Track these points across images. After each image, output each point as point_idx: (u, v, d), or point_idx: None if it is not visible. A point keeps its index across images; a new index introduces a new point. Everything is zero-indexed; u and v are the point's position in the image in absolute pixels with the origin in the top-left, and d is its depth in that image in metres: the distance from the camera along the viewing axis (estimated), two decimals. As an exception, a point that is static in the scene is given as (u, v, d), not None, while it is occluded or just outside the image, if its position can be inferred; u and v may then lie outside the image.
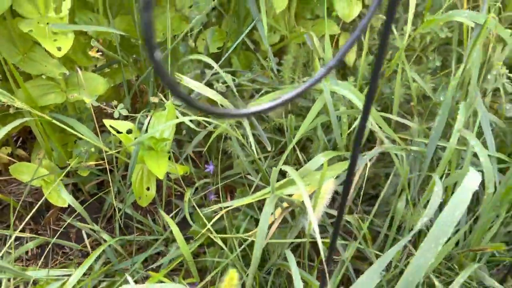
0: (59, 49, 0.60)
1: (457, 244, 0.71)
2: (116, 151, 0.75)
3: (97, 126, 0.85)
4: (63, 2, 0.64)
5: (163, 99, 0.80)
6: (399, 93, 0.85)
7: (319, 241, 0.44)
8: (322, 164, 0.61)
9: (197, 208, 0.79)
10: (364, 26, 0.25)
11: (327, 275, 0.44)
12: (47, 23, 0.63)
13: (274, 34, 1.00)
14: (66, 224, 0.97)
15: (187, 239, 0.84)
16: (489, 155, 0.66)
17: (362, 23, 0.25)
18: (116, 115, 0.76)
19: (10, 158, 0.97)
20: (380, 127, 0.70)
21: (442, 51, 1.14)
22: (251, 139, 0.73)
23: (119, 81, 0.98)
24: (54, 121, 0.69)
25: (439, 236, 0.45)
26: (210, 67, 0.88)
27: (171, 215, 0.90)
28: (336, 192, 0.78)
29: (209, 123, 0.88)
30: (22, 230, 0.96)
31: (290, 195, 0.61)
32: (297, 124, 0.92)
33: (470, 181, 0.46)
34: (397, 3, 0.26)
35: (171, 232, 0.90)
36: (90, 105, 0.76)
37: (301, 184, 0.49)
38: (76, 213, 0.88)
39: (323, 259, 0.40)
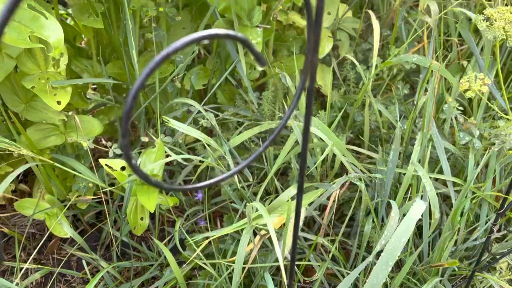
0: (59, 103, 0.69)
1: (421, 260, 0.79)
2: (113, 187, 0.83)
3: (93, 162, 0.93)
4: (61, 58, 0.73)
5: (153, 137, 0.88)
6: (368, 122, 0.94)
7: (282, 268, 0.52)
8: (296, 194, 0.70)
9: (187, 236, 0.87)
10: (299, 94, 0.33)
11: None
12: (47, 78, 0.71)
13: (255, 70, 1.09)
14: (68, 254, 1.04)
15: (180, 263, 0.92)
16: (444, 179, 0.74)
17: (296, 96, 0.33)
18: (110, 154, 0.84)
19: (13, 195, 1.04)
20: (346, 155, 0.78)
21: (412, 76, 1.23)
22: (236, 179, 0.81)
23: (112, 118, 1.06)
24: (55, 163, 0.77)
25: (387, 260, 0.53)
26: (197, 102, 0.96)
27: (164, 241, 0.97)
28: (312, 219, 0.86)
29: (197, 155, 0.96)
30: (26, 260, 1.03)
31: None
32: (276, 152, 1.00)
33: (415, 211, 0.54)
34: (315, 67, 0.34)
35: (165, 257, 0.98)
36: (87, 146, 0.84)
37: (268, 220, 0.57)
38: (77, 244, 0.95)
39: (286, 282, 0.48)
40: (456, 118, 0.80)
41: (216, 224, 1.05)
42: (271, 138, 0.33)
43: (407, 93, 1.10)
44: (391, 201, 0.67)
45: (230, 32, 0.23)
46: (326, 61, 1.20)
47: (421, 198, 0.71)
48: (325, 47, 1.06)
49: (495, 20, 0.60)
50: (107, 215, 0.96)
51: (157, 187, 0.27)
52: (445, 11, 0.79)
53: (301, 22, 1.10)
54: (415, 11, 1.28)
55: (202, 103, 0.93)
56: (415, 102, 0.80)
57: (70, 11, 1.12)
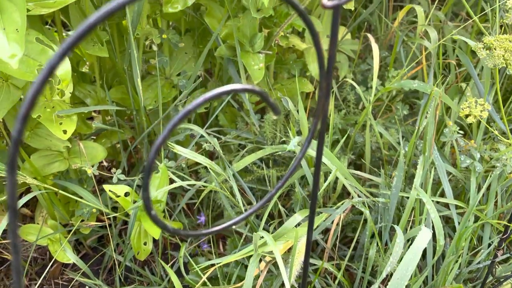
0: (64, 132, 0.69)
1: (426, 283, 0.79)
2: (116, 214, 0.83)
3: (96, 185, 0.93)
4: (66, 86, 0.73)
5: (156, 161, 0.88)
6: (369, 144, 0.95)
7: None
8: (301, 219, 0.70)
9: (191, 260, 0.86)
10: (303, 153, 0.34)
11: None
12: (53, 107, 0.72)
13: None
14: (72, 280, 1.03)
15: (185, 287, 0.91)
16: (447, 202, 0.75)
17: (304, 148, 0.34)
18: (114, 180, 0.84)
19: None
20: (348, 180, 0.79)
21: (411, 97, 1.24)
22: (238, 196, 0.81)
23: (115, 141, 1.07)
24: (59, 191, 0.77)
25: (395, 288, 0.53)
26: (200, 126, 0.97)
27: (168, 265, 0.97)
28: (315, 241, 0.86)
29: (200, 178, 0.97)
30: (29, 286, 1.03)
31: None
32: (279, 174, 1.01)
33: (421, 240, 0.54)
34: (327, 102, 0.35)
35: (168, 281, 0.97)
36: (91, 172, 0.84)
37: (276, 250, 0.58)
38: (80, 270, 0.95)
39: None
40: (456, 140, 0.81)
41: (219, 247, 1.05)
42: (284, 179, 0.33)
43: (407, 114, 1.11)
44: (395, 226, 0.67)
45: (247, 86, 0.24)
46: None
47: (425, 222, 0.72)
48: (325, 69, 1.07)
49: (495, 49, 0.61)
50: (110, 239, 0.96)
51: (175, 234, 0.27)
52: (444, 38, 0.80)
53: (301, 45, 1.11)
54: (413, 32, 1.30)
55: (205, 127, 0.94)
56: (416, 127, 0.81)
57: (71, 33, 1.13)
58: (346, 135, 0.89)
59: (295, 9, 0.23)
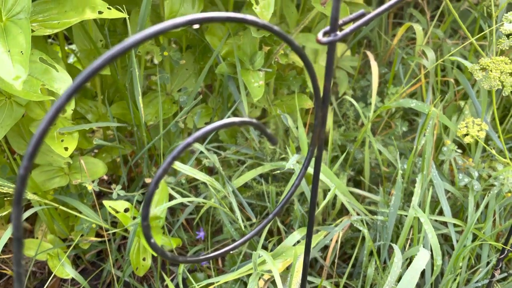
0: (66, 149, 0.70)
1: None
2: (116, 230, 0.83)
3: (95, 199, 0.94)
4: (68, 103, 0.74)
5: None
6: (368, 161, 0.95)
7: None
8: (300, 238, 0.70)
9: (190, 276, 0.87)
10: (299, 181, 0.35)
11: None
12: (54, 124, 0.73)
13: (256, 109, 1.11)
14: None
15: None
16: (445, 221, 0.75)
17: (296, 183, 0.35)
18: (114, 196, 0.85)
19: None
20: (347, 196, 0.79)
21: (410, 113, 1.25)
22: (237, 213, 0.82)
23: (116, 156, 1.07)
24: (59, 206, 0.78)
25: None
26: (200, 142, 0.98)
27: (165, 283, 0.97)
28: (314, 259, 0.86)
29: (200, 193, 0.97)
30: (27, 301, 1.03)
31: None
32: (278, 189, 1.01)
33: (419, 262, 0.55)
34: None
35: (166, 297, 0.97)
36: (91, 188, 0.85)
37: (275, 270, 0.58)
38: (78, 284, 0.95)
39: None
40: (454, 159, 0.82)
41: (217, 262, 1.05)
42: (278, 206, 0.34)
43: (406, 130, 1.12)
44: (393, 245, 0.68)
45: (245, 119, 0.25)
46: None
47: (423, 241, 0.72)
48: (325, 86, 1.08)
49: (491, 71, 0.62)
50: (109, 254, 0.96)
51: (174, 261, 0.28)
52: (442, 59, 0.81)
53: (301, 62, 1.12)
54: (412, 49, 1.31)
55: (205, 143, 0.95)
56: (414, 146, 0.81)
57: (73, 47, 1.15)
58: (345, 152, 0.90)
59: (289, 44, 0.24)
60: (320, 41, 0.25)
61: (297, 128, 0.89)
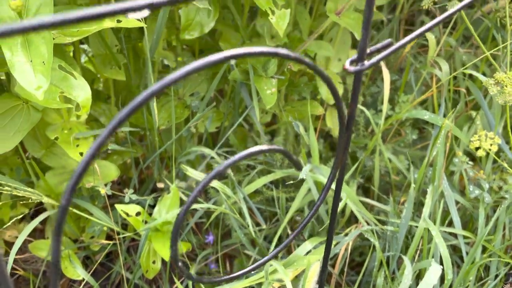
0: (80, 154, 0.71)
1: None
2: (128, 234, 0.84)
3: (107, 200, 0.95)
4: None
5: (168, 182, 0.90)
6: (378, 169, 0.96)
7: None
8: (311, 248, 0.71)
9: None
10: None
11: None
12: (70, 128, 0.73)
13: (266, 114, 1.12)
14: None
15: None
16: (454, 233, 0.75)
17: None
18: (126, 199, 0.85)
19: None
20: (358, 205, 0.80)
21: (420, 122, 1.25)
22: (247, 219, 0.82)
23: (127, 158, 1.08)
24: (72, 209, 0.79)
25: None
26: (210, 147, 0.99)
27: (175, 286, 0.98)
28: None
29: (210, 198, 0.98)
30: (37, 300, 1.04)
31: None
32: (288, 195, 1.02)
33: (431, 276, 0.55)
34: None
35: (175, 299, 0.98)
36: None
37: (286, 279, 0.59)
38: (88, 284, 0.96)
39: None
40: (465, 170, 0.82)
41: (225, 266, 1.06)
42: (296, 231, 0.35)
43: (416, 138, 1.12)
44: (404, 257, 0.68)
45: (274, 147, 0.25)
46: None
47: (433, 253, 0.72)
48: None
49: (506, 86, 0.62)
50: (120, 255, 0.97)
51: (198, 282, 0.28)
52: (455, 73, 0.81)
53: (312, 67, 1.13)
54: (424, 56, 1.31)
55: (216, 148, 0.96)
56: (426, 158, 0.82)
57: (85, 46, 1.15)
58: (357, 162, 0.90)
59: (320, 75, 0.24)
60: (348, 70, 0.26)
61: (308, 136, 0.90)
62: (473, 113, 0.97)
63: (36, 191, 0.72)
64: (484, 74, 1.12)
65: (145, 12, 0.20)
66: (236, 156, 0.24)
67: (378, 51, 0.26)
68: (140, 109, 0.20)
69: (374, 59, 0.25)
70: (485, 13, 1.06)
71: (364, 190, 1.10)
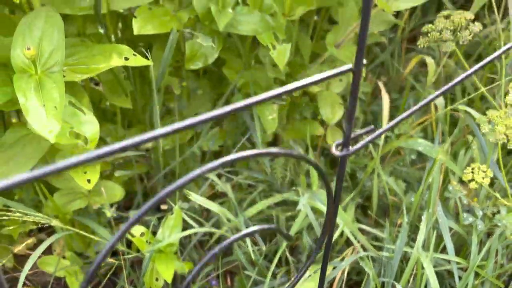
0: (88, 181, 0.74)
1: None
2: (132, 254, 0.87)
3: (113, 220, 0.98)
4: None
5: (171, 203, 0.93)
6: (377, 190, 0.98)
7: None
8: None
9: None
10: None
11: None
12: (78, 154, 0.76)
13: (268, 134, 1.14)
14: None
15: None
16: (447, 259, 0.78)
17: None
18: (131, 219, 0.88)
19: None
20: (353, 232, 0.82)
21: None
22: (247, 241, 0.85)
23: (131, 175, 1.11)
24: (80, 231, 0.82)
25: None
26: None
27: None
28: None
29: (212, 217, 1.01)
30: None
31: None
32: (287, 214, 1.04)
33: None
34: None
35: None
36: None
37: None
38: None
39: None
40: (460, 198, 0.84)
41: (226, 282, 1.09)
42: (293, 283, 0.37)
43: (415, 158, 1.14)
44: (397, 285, 0.71)
45: (264, 226, 0.28)
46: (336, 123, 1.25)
47: (425, 281, 0.75)
48: (336, 114, 1.11)
49: (497, 125, 0.64)
50: (124, 271, 1.00)
51: None
52: (451, 107, 0.84)
53: (314, 88, 1.15)
54: (424, 75, 1.33)
55: (215, 161, 0.98)
56: (421, 186, 0.84)
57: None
58: (357, 188, 0.93)
59: (309, 164, 0.27)
60: (334, 154, 0.29)
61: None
62: (470, 138, 0.99)
63: (45, 216, 0.75)
64: (481, 98, 1.15)
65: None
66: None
67: (363, 134, 0.29)
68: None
69: (358, 145, 0.28)
70: (482, 39, 1.08)
71: (363, 209, 1.13)
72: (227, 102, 1.03)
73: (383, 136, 0.99)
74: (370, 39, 1.10)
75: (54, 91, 0.53)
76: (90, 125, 0.63)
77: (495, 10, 0.94)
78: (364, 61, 0.29)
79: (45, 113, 0.52)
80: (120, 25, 0.85)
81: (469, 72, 0.33)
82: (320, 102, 1.12)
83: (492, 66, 1.15)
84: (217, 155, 1.19)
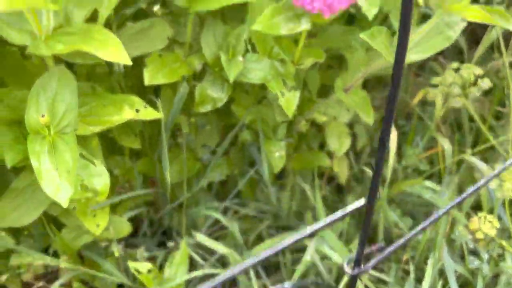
0: (97, 225, 0.74)
1: None
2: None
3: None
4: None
5: (177, 239, 0.93)
6: (383, 224, 0.99)
7: None
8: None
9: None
10: None
11: None
12: (86, 198, 0.77)
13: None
14: None
15: None
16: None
17: None
18: (138, 256, 0.89)
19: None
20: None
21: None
22: (253, 279, 0.86)
23: (137, 209, 1.12)
24: (89, 271, 0.83)
25: None
26: (220, 198, 1.02)
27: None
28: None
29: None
30: None
31: None
32: (295, 255, 1.05)
33: None
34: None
35: None
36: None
37: None
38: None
39: None
40: (466, 243, 0.84)
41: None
42: None
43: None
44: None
45: None
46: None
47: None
48: (343, 145, 1.11)
49: (504, 181, 0.65)
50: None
51: None
52: (458, 157, 0.84)
53: (322, 118, 1.15)
54: (431, 105, 1.33)
55: (224, 203, 0.99)
56: (427, 230, 0.84)
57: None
58: (363, 222, 0.93)
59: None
60: (346, 272, 0.29)
61: (314, 197, 0.93)
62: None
63: (54, 259, 0.76)
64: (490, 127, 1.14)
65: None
66: None
67: (376, 251, 0.30)
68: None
69: (370, 263, 0.28)
70: (491, 73, 1.08)
71: (369, 240, 1.13)
72: (236, 138, 1.04)
73: (389, 171, 0.99)
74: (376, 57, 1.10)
75: (66, 154, 0.54)
76: (100, 178, 0.64)
77: (503, 48, 0.95)
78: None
79: (58, 177, 0.53)
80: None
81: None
82: (327, 133, 1.12)
83: (502, 95, 1.15)
84: (223, 184, 1.19)
